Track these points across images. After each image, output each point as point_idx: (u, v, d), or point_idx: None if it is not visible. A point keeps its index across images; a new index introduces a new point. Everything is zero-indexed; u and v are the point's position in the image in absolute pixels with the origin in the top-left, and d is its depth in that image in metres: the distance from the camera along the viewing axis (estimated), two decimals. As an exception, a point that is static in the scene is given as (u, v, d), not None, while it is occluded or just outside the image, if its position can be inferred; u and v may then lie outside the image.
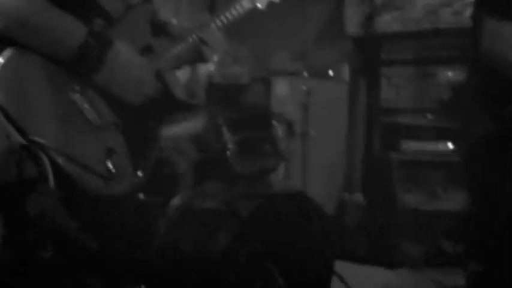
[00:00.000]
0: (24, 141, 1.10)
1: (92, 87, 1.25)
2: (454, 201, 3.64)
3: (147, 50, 1.40)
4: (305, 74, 3.30)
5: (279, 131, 2.91)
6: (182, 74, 2.99)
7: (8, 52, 1.13)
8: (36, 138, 1.11)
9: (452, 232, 3.60)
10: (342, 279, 2.60)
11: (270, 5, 1.65)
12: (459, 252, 3.55)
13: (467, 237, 3.35)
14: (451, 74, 4.49)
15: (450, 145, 3.78)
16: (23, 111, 1.11)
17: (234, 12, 1.58)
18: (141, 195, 2.53)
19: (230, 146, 2.67)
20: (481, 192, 1.82)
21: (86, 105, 1.22)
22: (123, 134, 1.31)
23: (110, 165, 1.24)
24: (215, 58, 1.93)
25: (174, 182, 2.81)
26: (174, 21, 2.40)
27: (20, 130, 1.10)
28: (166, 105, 1.45)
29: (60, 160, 1.14)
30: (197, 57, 1.60)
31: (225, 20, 1.58)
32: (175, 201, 2.51)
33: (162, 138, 2.76)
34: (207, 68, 3.04)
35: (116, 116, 1.30)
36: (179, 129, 2.91)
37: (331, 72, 4.51)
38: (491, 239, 1.80)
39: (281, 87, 4.16)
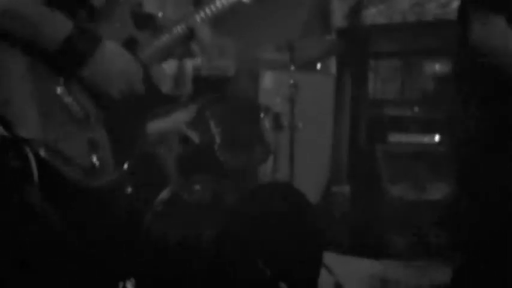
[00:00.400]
0: (7, 134, 1.10)
1: (76, 81, 1.24)
2: (440, 192, 3.68)
3: (131, 42, 1.39)
4: (292, 67, 3.30)
5: (266, 123, 2.91)
6: (168, 67, 2.99)
7: None
8: (20, 132, 1.11)
9: (438, 223, 3.63)
10: (330, 271, 2.62)
11: (255, -1, 1.65)
12: (444, 242, 3.59)
13: (453, 228, 3.39)
14: (437, 66, 4.52)
15: (437, 137, 3.81)
16: (4, 103, 1.11)
17: (218, 5, 1.58)
18: (129, 189, 2.54)
19: (217, 139, 2.67)
20: (467, 183, 1.84)
21: (69, 99, 1.22)
22: (106, 127, 1.29)
23: (93, 158, 1.23)
24: (202, 51, 1.93)
25: (161, 175, 2.82)
26: (160, 14, 2.40)
27: (3, 123, 1.10)
28: (151, 98, 1.45)
29: (42, 153, 1.14)
30: (184, 50, 1.60)
31: (210, 13, 1.58)
32: (164, 194, 2.52)
33: (149, 132, 2.76)
34: (194, 61, 3.03)
35: (100, 110, 1.29)
36: (166, 123, 2.92)
37: (318, 66, 4.52)
38: (476, 229, 1.81)
39: (268, 80, 4.17)
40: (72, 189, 1.23)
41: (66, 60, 1.20)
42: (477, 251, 1.83)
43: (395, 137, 3.83)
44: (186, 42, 1.56)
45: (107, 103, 1.30)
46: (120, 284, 2.15)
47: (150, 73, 1.44)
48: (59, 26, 1.19)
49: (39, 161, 1.14)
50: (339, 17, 4.45)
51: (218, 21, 1.70)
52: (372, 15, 4.38)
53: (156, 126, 2.83)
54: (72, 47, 1.18)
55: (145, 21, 1.54)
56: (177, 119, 2.90)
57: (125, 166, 1.34)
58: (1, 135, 1.11)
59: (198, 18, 1.54)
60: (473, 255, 1.84)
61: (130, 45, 1.38)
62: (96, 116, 1.27)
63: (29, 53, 1.16)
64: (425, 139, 3.85)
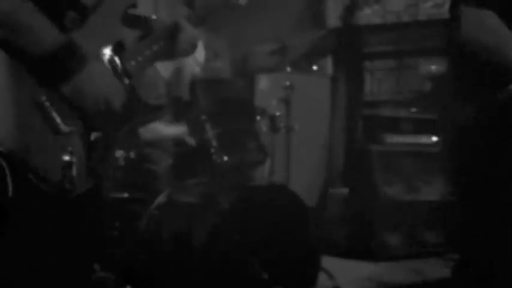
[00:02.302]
0: None
1: (57, 93, 1.20)
2: (435, 192, 3.68)
3: (118, 48, 1.36)
4: (288, 69, 3.30)
5: (262, 125, 2.91)
6: (165, 70, 2.98)
7: None
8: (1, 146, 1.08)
9: (433, 222, 3.63)
10: (329, 275, 2.62)
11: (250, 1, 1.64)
12: (439, 242, 3.59)
13: (447, 227, 3.39)
14: (433, 67, 4.52)
15: (433, 138, 3.81)
16: None
17: (211, 5, 1.56)
18: (125, 194, 2.53)
19: (214, 141, 2.67)
20: (461, 182, 1.84)
21: (49, 109, 1.18)
22: (83, 138, 1.26)
23: (65, 181, 1.18)
24: (191, 51, 1.92)
25: (156, 179, 2.80)
26: (154, 16, 2.38)
27: None
28: (131, 108, 1.42)
29: (18, 165, 1.11)
30: (169, 48, 1.56)
31: (201, 13, 1.56)
32: (160, 198, 2.51)
33: (143, 136, 2.75)
34: (190, 64, 3.02)
35: (79, 121, 1.26)
36: (168, 131, 2.91)
37: (314, 67, 4.51)
38: (471, 229, 1.81)
39: (264, 82, 4.17)
40: (49, 199, 1.20)
41: (50, 73, 1.17)
42: (473, 250, 1.82)
43: (391, 138, 3.82)
44: (172, 40, 1.54)
45: (87, 117, 1.27)
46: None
47: (133, 84, 1.40)
48: (50, 37, 1.16)
49: (15, 172, 1.11)
50: (333, 17, 4.45)
51: (212, 22, 1.69)
52: (367, 15, 4.38)
53: (155, 133, 2.83)
54: (59, 62, 1.17)
55: (138, 23, 1.52)
56: (178, 129, 2.89)
57: (98, 175, 1.31)
58: None
59: (187, 18, 1.52)
60: (467, 253, 1.84)
61: (118, 51, 1.35)
62: (75, 128, 1.23)
63: (15, 58, 1.14)
64: (422, 139, 3.85)
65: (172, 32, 1.52)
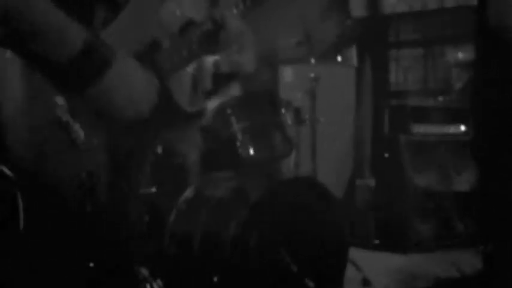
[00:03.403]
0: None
1: (79, 100, 1.09)
2: (466, 182, 3.63)
3: (154, 47, 1.26)
4: (312, 60, 3.27)
5: (287, 118, 2.90)
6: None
7: None
8: (6, 170, 0.98)
9: (464, 212, 3.58)
10: (357, 267, 2.60)
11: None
12: (471, 232, 3.54)
13: (479, 217, 3.34)
14: (460, 54, 4.44)
15: (462, 127, 3.75)
16: None
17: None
18: (153, 189, 2.55)
19: (239, 135, 2.67)
20: (491, 171, 1.81)
21: (69, 121, 1.07)
22: (108, 153, 1.15)
23: (86, 186, 1.08)
24: (233, 45, 1.82)
25: (183, 173, 2.82)
26: (178, 12, 2.39)
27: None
28: (165, 115, 1.30)
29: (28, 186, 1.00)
30: (211, 44, 1.47)
31: (242, 7, 1.47)
32: (188, 193, 2.52)
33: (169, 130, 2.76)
34: (213, 57, 3.02)
35: (103, 132, 1.14)
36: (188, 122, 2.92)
37: (339, 58, 4.48)
38: (501, 218, 1.78)
39: (288, 74, 4.15)
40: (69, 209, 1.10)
41: (72, 77, 1.05)
42: (503, 238, 1.80)
43: (419, 128, 3.77)
44: (214, 36, 1.45)
45: (110, 126, 1.15)
46: (148, 285, 2.16)
47: (167, 85, 1.30)
48: (72, 39, 1.05)
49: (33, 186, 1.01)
50: (358, 7, 4.40)
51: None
52: (392, 3, 4.32)
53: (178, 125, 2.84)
54: (81, 64, 1.05)
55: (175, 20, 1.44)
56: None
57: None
58: None
59: (230, 11, 1.44)
60: (500, 243, 1.81)
61: (153, 50, 1.27)
62: (97, 142, 1.13)
63: (34, 64, 1.03)
64: (451, 129, 3.79)
65: (218, 26, 1.43)
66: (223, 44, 1.48)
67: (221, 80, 3.13)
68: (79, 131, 1.09)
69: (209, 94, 3.12)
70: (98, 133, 1.13)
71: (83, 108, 1.10)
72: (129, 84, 1.14)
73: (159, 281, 2.19)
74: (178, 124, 1.40)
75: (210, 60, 3.06)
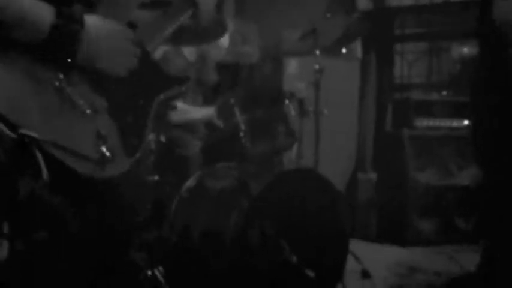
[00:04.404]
0: (13, 135, 1.08)
1: (75, 70, 1.20)
2: (468, 177, 3.63)
3: (130, 27, 1.33)
4: (317, 52, 3.26)
5: (291, 109, 2.90)
6: (189, 54, 2.99)
7: None
8: (26, 132, 1.08)
9: (465, 208, 3.58)
10: (357, 259, 2.61)
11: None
12: (471, 227, 3.54)
13: (481, 213, 3.34)
14: (465, 49, 4.43)
15: (465, 121, 3.74)
16: (6, 104, 1.08)
17: None
18: (155, 177, 2.57)
19: (242, 126, 2.68)
20: (492, 166, 1.81)
21: (71, 92, 1.18)
22: (112, 116, 1.27)
23: (103, 149, 1.20)
24: (219, 33, 1.87)
25: (186, 163, 2.84)
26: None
27: (8, 124, 1.07)
28: (156, 81, 1.40)
29: (49, 149, 1.12)
30: (190, 5, 1.51)
31: None
32: (190, 182, 2.54)
33: (178, 122, 2.78)
34: (214, 48, 3.02)
35: (104, 98, 1.26)
36: (196, 114, 2.93)
37: (344, 50, 4.47)
38: (502, 213, 1.79)
39: (293, 66, 4.15)
40: (83, 183, 1.21)
41: (56, 49, 1.15)
42: (505, 235, 1.80)
43: (422, 122, 3.77)
44: (189, 12, 1.51)
45: (110, 91, 1.27)
46: (148, 272, 2.18)
47: (148, 51, 1.39)
48: (43, 14, 1.14)
49: (47, 158, 1.12)
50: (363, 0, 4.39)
51: (241, 7, 1.65)
52: (398, -3, 4.31)
53: (185, 116, 2.85)
54: (58, 35, 1.14)
55: (155, 5, 1.50)
56: (207, 111, 2.92)
57: (136, 156, 1.32)
58: (7, 137, 1.08)
59: None
60: (500, 239, 1.82)
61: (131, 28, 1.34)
62: (101, 107, 1.24)
63: (22, 51, 1.13)
64: (454, 123, 3.78)
65: (189, 5, 1.49)
66: (206, 34, 1.59)
67: (225, 70, 3.14)
68: (80, 101, 1.19)
69: (214, 87, 3.13)
70: (97, 98, 1.24)
71: (82, 78, 1.21)
72: (108, 34, 1.24)
73: (160, 268, 2.20)
74: (166, 88, 1.46)
75: (213, 51, 3.06)
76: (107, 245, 1.33)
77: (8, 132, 1.08)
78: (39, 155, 1.11)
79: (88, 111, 1.21)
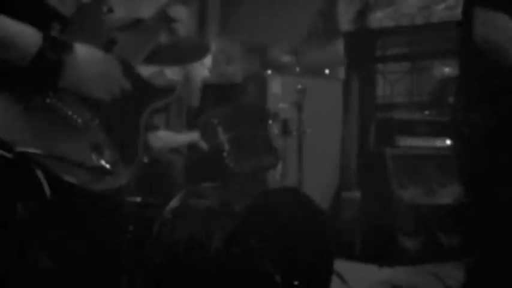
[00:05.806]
0: (9, 155, 1.07)
1: (61, 90, 1.20)
2: (451, 195, 3.65)
3: (110, 44, 1.36)
4: (297, 69, 3.28)
5: (275, 129, 2.91)
6: (174, 74, 3.00)
7: None
8: (22, 149, 1.08)
9: (448, 225, 3.60)
10: (342, 279, 2.60)
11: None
12: (455, 244, 3.55)
13: (464, 230, 3.36)
14: (446, 68, 4.49)
15: (447, 141, 3.78)
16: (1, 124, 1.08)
17: None
18: (137, 198, 2.55)
19: (226, 146, 2.67)
20: (474, 184, 1.82)
21: (62, 108, 1.19)
22: (104, 130, 1.28)
23: (101, 161, 1.22)
24: (201, 54, 1.89)
25: (170, 183, 2.82)
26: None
27: (2, 144, 1.07)
28: (143, 93, 1.41)
29: (49, 164, 1.12)
30: (164, 31, 1.55)
31: None
32: (173, 202, 2.52)
33: (154, 145, 2.77)
34: (197, 68, 3.03)
35: (95, 113, 1.27)
36: (179, 138, 2.93)
37: (327, 71, 4.51)
38: (485, 230, 1.80)
39: (276, 86, 4.17)
40: (80, 198, 1.21)
41: (41, 74, 1.15)
42: (489, 253, 1.81)
43: (405, 141, 3.80)
44: (165, 26, 1.53)
45: (99, 105, 1.27)
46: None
47: (133, 67, 1.40)
48: (29, 40, 1.14)
49: (46, 173, 1.12)
50: (345, 21, 4.45)
51: (225, 25, 1.68)
52: (379, 18, 4.37)
53: (169, 144, 2.85)
54: (44, 60, 1.14)
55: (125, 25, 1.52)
56: (192, 136, 2.92)
57: (133, 168, 1.32)
58: (3, 157, 1.07)
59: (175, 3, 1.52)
60: (485, 257, 1.82)
61: (110, 46, 1.36)
62: (92, 120, 1.25)
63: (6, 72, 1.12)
64: (436, 142, 3.82)
65: (162, 19, 1.51)
66: (175, 31, 1.56)
67: (208, 90, 3.14)
68: (72, 116, 1.21)
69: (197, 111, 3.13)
70: (88, 112, 1.26)
71: (69, 93, 1.22)
72: (93, 61, 1.24)
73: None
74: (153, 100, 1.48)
75: (196, 71, 3.07)
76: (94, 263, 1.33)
77: (3, 152, 1.07)
78: (39, 173, 1.11)
79: (81, 124, 1.22)
